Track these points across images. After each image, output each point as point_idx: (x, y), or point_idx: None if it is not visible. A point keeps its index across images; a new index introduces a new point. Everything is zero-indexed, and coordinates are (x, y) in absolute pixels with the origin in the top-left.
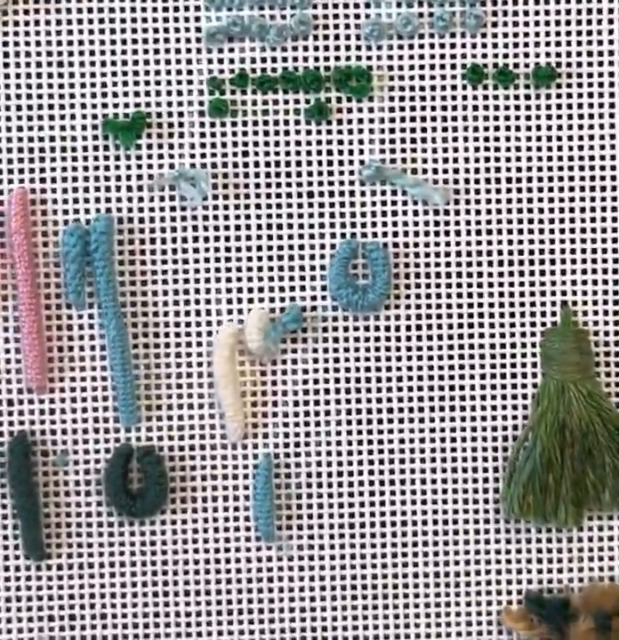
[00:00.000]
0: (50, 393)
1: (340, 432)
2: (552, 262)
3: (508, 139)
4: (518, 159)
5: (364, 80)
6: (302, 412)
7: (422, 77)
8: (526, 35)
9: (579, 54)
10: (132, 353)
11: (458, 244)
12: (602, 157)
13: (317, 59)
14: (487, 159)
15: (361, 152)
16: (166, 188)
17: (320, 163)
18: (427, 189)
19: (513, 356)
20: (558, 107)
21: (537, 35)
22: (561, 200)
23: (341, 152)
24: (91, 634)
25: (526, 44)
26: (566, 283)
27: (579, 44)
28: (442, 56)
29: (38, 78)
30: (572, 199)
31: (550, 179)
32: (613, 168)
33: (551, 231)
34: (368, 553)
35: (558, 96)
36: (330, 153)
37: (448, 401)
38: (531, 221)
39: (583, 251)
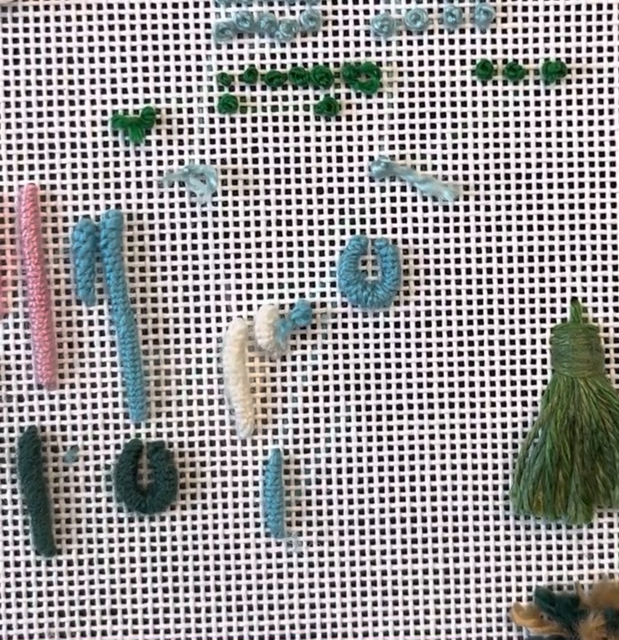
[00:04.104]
0: (60, 389)
1: (349, 428)
2: (562, 258)
3: (517, 134)
4: (528, 155)
5: (373, 76)
6: (312, 408)
7: (431, 73)
8: (536, 30)
9: (589, 50)
10: (141, 349)
11: (467, 240)
12: (612, 153)
13: (326, 55)
14: (497, 155)
15: (370, 148)
16: (176, 183)
17: (330, 159)
18: (436, 185)
19: (523, 352)
20: (568, 102)
21: (547, 30)
22: (571, 196)
23: (350, 148)
24: (101, 629)
25: (535, 40)
26: (576, 279)
27: (589, 39)
28: (452, 52)
29: (48, 74)
30: (582, 195)
31: (560, 174)
32: None
33: (561, 227)
34: (378, 549)
35: (568, 92)
36: (339, 149)
37: (458, 397)
38: (541, 217)
39: (593, 247)
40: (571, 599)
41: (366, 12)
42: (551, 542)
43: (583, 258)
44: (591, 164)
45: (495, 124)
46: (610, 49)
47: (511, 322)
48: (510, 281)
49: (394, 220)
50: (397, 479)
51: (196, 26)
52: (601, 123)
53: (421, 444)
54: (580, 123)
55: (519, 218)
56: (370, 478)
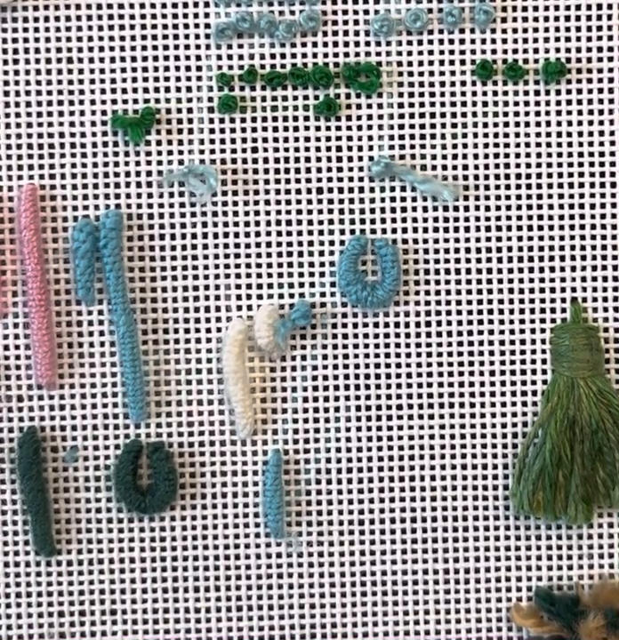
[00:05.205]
0: (60, 389)
1: (349, 428)
2: (562, 258)
3: (517, 134)
4: (528, 155)
5: (373, 76)
6: (312, 409)
7: (431, 73)
8: (536, 30)
9: (588, 50)
10: (141, 349)
11: (467, 240)
12: (612, 153)
13: (326, 55)
14: (497, 155)
15: (370, 148)
16: (176, 183)
17: (329, 159)
18: (436, 185)
19: (523, 352)
20: (568, 102)
21: (547, 30)
22: (571, 196)
23: (350, 148)
24: (101, 629)
25: (535, 40)
26: (575, 279)
27: (588, 39)
28: (451, 52)
29: (48, 74)
30: (582, 195)
31: (560, 174)
32: None
33: (561, 227)
34: (378, 549)
35: (568, 91)
36: (339, 149)
37: (458, 397)
38: (541, 217)
39: (593, 247)
40: (571, 599)
41: (366, 12)
42: (551, 542)
43: (583, 258)
44: (591, 164)
45: (495, 124)
46: (610, 49)
47: (511, 322)
48: (510, 281)
49: (394, 220)
50: (397, 479)
51: (196, 26)
52: (601, 123)
53: (421, 444)
54: (580, 123)
55: (519, 218)
56: (370, 478)
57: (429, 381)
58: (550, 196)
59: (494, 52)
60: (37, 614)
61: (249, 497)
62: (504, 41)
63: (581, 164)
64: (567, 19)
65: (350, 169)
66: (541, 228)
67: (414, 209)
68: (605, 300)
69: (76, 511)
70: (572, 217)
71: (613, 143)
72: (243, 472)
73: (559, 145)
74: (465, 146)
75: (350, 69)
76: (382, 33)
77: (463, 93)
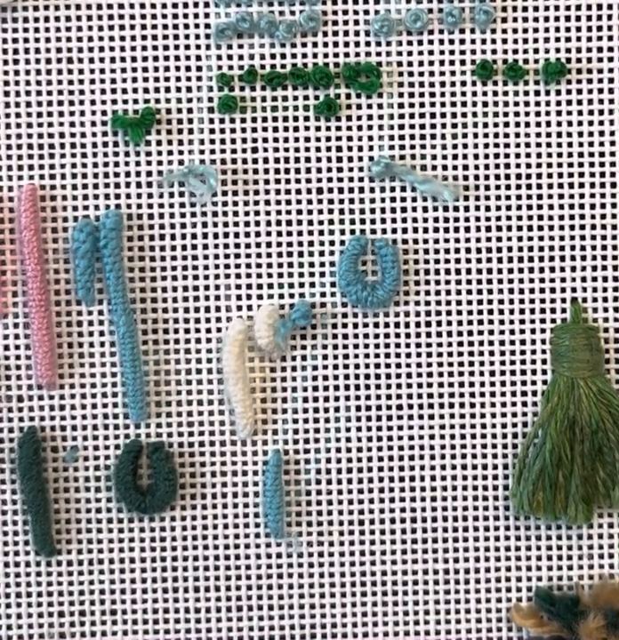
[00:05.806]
0: (60, 389)
1: (349, 428)
2: (562, 259)
3: (518, 135)
4: (528, 155)
5: (373, 76)
6: (312, 409)
7: (431, 73)
8: (536, 30)
9: (589, 50)
10: (141, 349)
11: (467, 240)
12: (612, 153)
13: (326, 55)
14: (497, 155)
15: (370, 148)
16: (176, 183)
17: (329, 159)
18: (436, 186)
19: (523, 352)
20: (568, 102)
21: (547, 30)
22: (571, 196)
23: (350, 148)
24: (101, 629)
25: (535, 40)
26: (576, 279)
27: (589, 39)
28: (452, 52)
29: (48, 74)
30: (582, 195)
31: (561, 175)
32: None
33: (561, 228)
34: (378, 549)
35: (568, 92)
36: (339, 149)
37: (458, 397)
38: (541, 217)
39: (593, 247)
40: (571, 599)
41: (366, 12)
42: (551, 542)
43: (583, 258)
44: (591, 164)
45: (495, 124)
46: (610, 49)
47: (511, 322)
48: (510, 281)
49: (394, 220)
50: (397, 479)
51: (196, 26)
52: (601, 123)
53: (421, 444)
54: (580, 123)
55: (519, 218)
56: (370, 478)
57: (429, 381)
58: (550, 197)
59: (494, 52)
60: (37, 614)
61: (249, 497)
62: (504, 41)
63: (581, 164)
64: (567, 19)
65: (350, 169)
66: (541, 228)
67: (414, 209)
68: (605, 300)
69: (76, 511)
70: (572, 217)
71: (613, 143)
72: (243, 472)
73: (559, 145)
74: (465, 146)
75: (350, 69)
76: (382, 33)
77: (463, 93)
